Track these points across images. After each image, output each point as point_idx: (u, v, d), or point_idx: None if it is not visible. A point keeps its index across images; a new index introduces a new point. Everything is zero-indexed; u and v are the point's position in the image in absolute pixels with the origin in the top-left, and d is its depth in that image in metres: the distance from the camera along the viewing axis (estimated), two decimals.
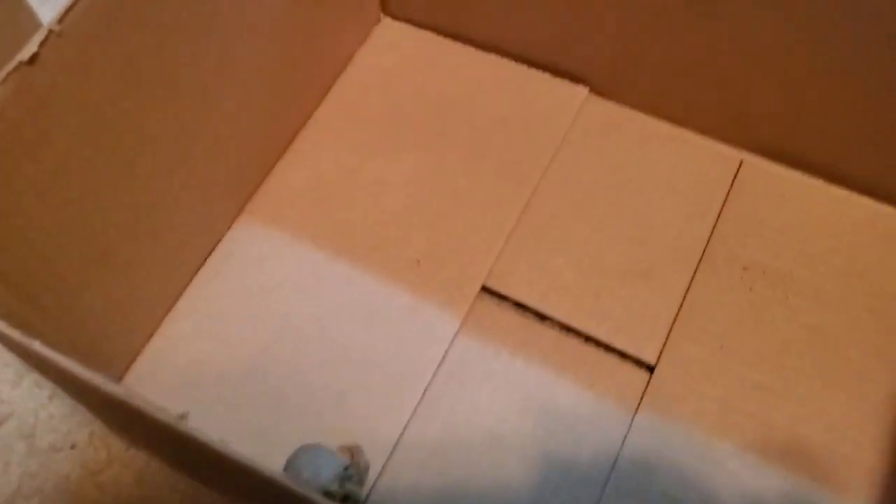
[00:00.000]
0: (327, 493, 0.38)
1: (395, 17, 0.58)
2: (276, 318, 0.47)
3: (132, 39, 0.36)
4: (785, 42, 0.44)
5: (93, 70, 0.35)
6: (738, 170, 0.51)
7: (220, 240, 0.49)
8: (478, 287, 0.48)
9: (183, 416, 0.25)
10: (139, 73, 0.37)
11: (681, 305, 0.47)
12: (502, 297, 0.48)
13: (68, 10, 0.32)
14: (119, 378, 0.44)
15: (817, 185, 0.51)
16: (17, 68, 0.32)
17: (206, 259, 0.48)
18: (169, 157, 0.42)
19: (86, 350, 0.40)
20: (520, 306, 0.48)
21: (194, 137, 0.43)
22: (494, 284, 0.48)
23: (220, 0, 0.41)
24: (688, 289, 0.47)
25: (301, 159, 0.52)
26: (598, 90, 0.54)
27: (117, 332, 0.43)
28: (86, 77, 0.35)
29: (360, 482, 0.41)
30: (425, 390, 0.45)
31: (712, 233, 0.49)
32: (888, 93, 0.44)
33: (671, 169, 0.51)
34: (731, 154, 0.52)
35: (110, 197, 0.39)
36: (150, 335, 0.46)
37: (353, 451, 0.41)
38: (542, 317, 0.47)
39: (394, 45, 0.57)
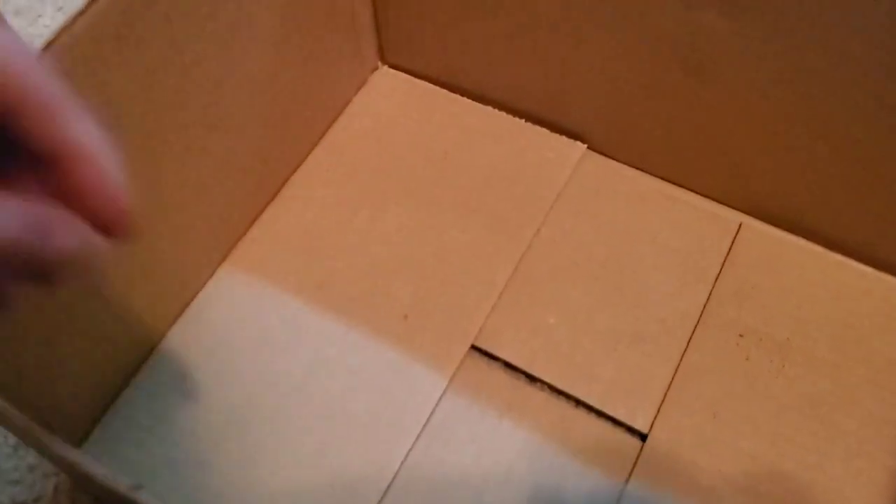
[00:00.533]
0: None
1: (392, 66, 0.58)
2: (256, 371, 0.45)
3: (113, 82, 0.35)
4: (784, 107, 0.43)
5: None
6: (736, 233, 0.50)
7: (200, 289, 0.48)
8: (467, 345, 0.46)
9: (138, 488, 0.24)
10: (119, 119, 0.36)
11: (675, 372, 0.45)
12: (492, 357, 0.46)
13: (45, 49, 0.31)
14: (87, 433, 0.42)
15: (817, 251, 0.49)
16: None
17: (184, 309, 0.47)
18: (148, 205, 0.40)
19: (53, 405, 0.39)
20: (509, 367, 0.46)
21: (176, 186, 0.42)
22: (484, 343, 0.47)
23: (208, 43, 0.40)
24: (682, 355, 0.46)
25: (289, 207, 0.51)
26: (595, 147, 0.53)
27: (90, 386, 0.41)
28: None
29: None
30: (409, 450, 0.43)
31: (709, 298, 0.48)
32: (889, 161, 0.43)
33: (669, 230, 0.50)
34: (731, 216, 0.51)
35: None
36: (122, 388, 0.44)
37: None
38: (531, 378, 0.46)
39: (390, 93, 0.56)
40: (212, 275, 0.48)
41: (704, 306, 0.48)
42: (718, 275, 0.49)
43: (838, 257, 0.49)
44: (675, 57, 0.44)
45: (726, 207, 0.51)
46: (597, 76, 0.48)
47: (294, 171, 0.52)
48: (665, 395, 0.45)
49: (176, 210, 0.43)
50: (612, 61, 0.47)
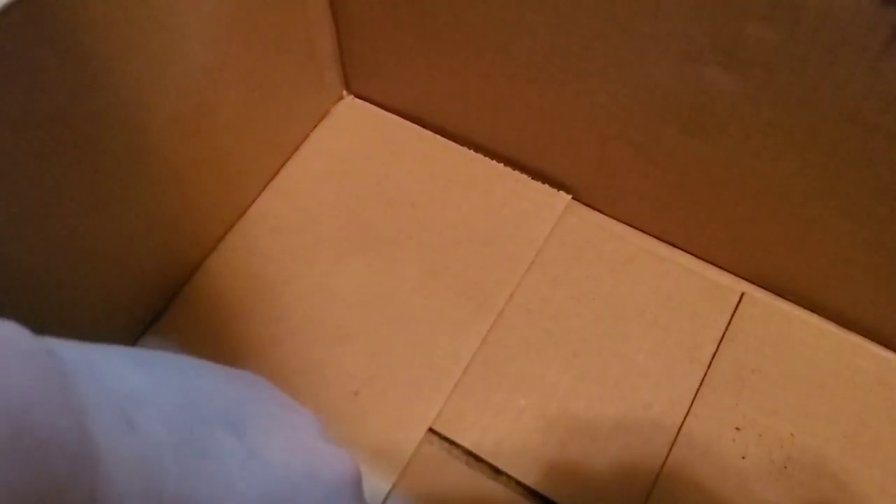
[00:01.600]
0: None
1: (358, 96, 0.51)
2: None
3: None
4: (798, 176, 0.37)
5: None
6: (737, 305, 0.44)
7: None
8: (424, 429, 0.41)
9: None
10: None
11: (660, 470, 0.40)
12: (452, 444, 0.41)
13: None
14: None
15: (829, 330, 0.43)
16: None
17: None
18: (61, 265, 0.35)
19: None
20: (471, 456, 0.40)
21: (94, 243, 0.36)
22: (443, 427, 0.41)
23: (134, 62, 0.34)
24: (669, 450, 0.40)
25: (229, 260, 0.45)
26: (581, 198, 0.47)
27: None
28: None
29: None
30: None
31: (702, 382, 0.42)
32: None
33: (660, 300, 0.44)
34: (731, 284, 0.45)
35: None
36: None
37: None
38: (496, 471, 0.40)
39: (354, 127, 0.50)
40: (134, 343, 0.42)
41: (697, 392, 0.42)
42: (714, 355, 0.43)
43: (854, 338, 0.43)
44: (672, 113, 0.38)
45: (727, 274, 0.45)
46: (582, 128, 0.42)
47: (239, 217, 0.46)
48: (648, 497, 0.39)
49: (93, 273, 0.37)
50: (600, 114, 0.40)
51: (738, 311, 0.44)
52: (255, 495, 0.20)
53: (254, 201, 0.47)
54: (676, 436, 0.40)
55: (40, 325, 0.18)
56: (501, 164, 0.48)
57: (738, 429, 0.41)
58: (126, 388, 0.18)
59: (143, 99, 0.35)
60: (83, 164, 0.33)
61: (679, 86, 0.36)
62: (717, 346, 0.43)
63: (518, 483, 0.39)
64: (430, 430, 0.41)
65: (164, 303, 0.43)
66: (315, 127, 0.50)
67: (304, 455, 0.22)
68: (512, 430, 0.41)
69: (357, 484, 0.23)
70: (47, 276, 0.34)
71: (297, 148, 0.49)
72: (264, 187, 0.47)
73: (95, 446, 0.16)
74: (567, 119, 0.42)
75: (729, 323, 0.44)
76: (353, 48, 0.48)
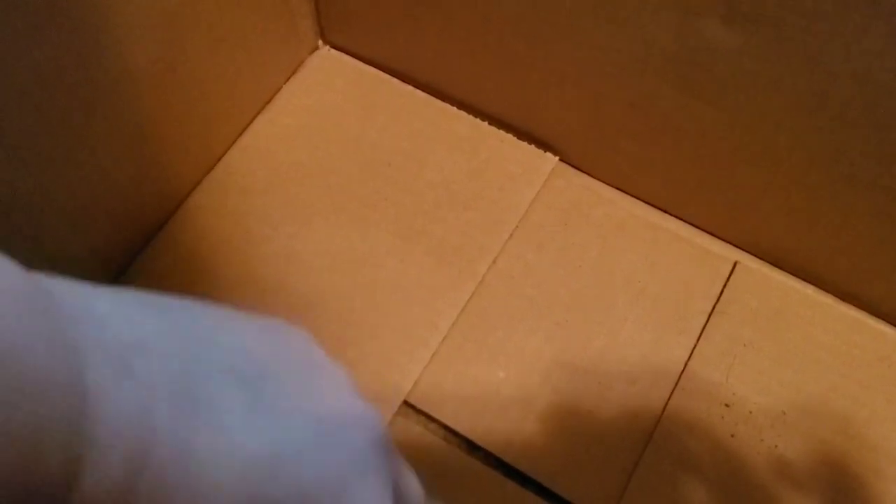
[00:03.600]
0: None
1: (334, 46, 0.48)
2: None
3: None
4: (801, 140, 0.35)
5: None
6: (730, 274, 0.42)
7: None
8: (399, 402, 0.39)
9: None
10: None
11: (644, 448, 0.38)
12: (428, 417, 0.39)
13: None
14: None
15: (826, 302, 0.41)
16: None
17: None
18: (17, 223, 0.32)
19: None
20: (448, 430, 0.38)
21: (44, 199, 0.33)
22: (418, 400, 0.39)
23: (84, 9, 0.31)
24: (655, 427, 0.38)
25: (193, 220, 0.42)
26: (569, 159, 0.45)
27: None
28: None
29: None
30: None
31: (691, 355, 0.40)
32: None
33: (649, 267, 0.42)
34: (724, 252, 0.43)
35: None
36: None
37: None
38: (472, 446, 0.38)
39: (328, 80, 0.47)
40: None
41: (685, 366, 0.40)
42: (704, 327, 0.41)
43: (852, 311, 0.41)
44: (669, 71, 0.35)
45: (720, 241, 0.43)
46: (571, 86, 0.39)
47: (204, 174, 0.43)
48: (630, 477, 0.37)
49: (46, 235, 0.34)
50: (591, 71, 0.38)
51: (730, 281, 0.42)
52: (257, 449, 0.19)
53: (220, 159, 0.44)
54: (662, 412, 0.38)
55: None
56: (485, 123, 0.46)
57: (727, 405, 0.39)
58: (130, 335, 0.18)
59: (93, 48, 0.32)
60: (24, 119, 0.30)
61: (677, 41, 0.33)
62: (708, 318, 0.41)
63: (496, 458, 0.38)
64: (406, 402, 0.39)
65: (123, 267, 0.41)
66: (287, 80, 0.46)
67: (323, 414, 0.22)
68: (489, 404, 0.39)
69: (380, 446, 0.23)
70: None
71: (267, 102, 0.46)
72: (232, 144, 0.44)
73: (84, 387, 0.16)
74: (556, 76, 0.40)
75: (721, 293, 0.41)
76: None
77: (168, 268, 0.41)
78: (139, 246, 0.41)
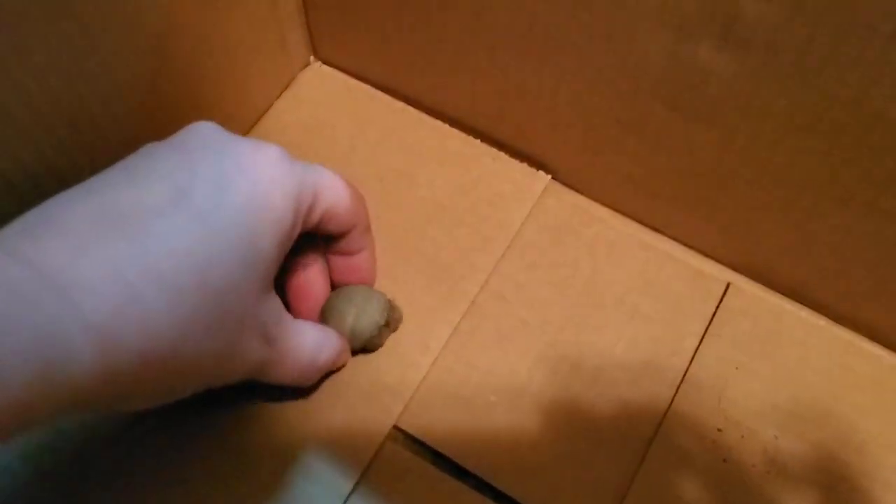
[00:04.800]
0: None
1: (326, 62, 0.48)
2: None
3: None
4: (798, 162, 0.34)
5: None
6: (722, 296, 0.42)
7: None
8: (389, 426, 0.38)
9: None
10: None
11: (636, 471, 0.37)
12: (418, 442, 0.38)
13: None
14: None
15: (820, 325, 0.41)
16: None
17: None
18: None
19: None
20: (438, 455, 0.38)
21: None
22: (409, 424, 0.38)
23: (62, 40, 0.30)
24: (646, 450, 0.38)
25: None
26: (561, 178, 0.44)
27: None
28: None
29: (394, 328, 0.40)
30: None
31: (684, 378, 0.39)
32: None
33: (641, 288, 0.42)
34: (717, 274, 0.42)
35: None
36: None
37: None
38: (462, 472, 0.37)
39: (319, 97, 0.47)
40: None
41: (678, 388, 0.39)
42: (697, 349, 0.40)
43: (847, 334, 0.41)
44: (662, 91, 0.35)
45: (713, 262, 0.43)
46: (565, 104, 0.39)
47: None
48: (622, 502, 0.37)
49: None
50: (585, 90, 0.37)
51: (723, 303, 0.41)
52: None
53: None
54: (654, 434, 0.38)
55: None
56: (478, 141, 0.45)
57: (719, 430, 0.38)
58: None
59: (77, 68, 0.31)
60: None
61: (671, 62, 0.33)
62: (700, 340, 0.40)
63: (484, 484, 0.37)
64: (395, 426, 0.38)
65: None
66: (278, 97, 0.46)
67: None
68: (479, 428, 0.38)
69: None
70: None
71: (257, 120, 0.45)
72: None
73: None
74: (549, 94, 0.39)
75: (713, 316, 0.41)
76: (319, 7, 0.44)
77: None
78: None
